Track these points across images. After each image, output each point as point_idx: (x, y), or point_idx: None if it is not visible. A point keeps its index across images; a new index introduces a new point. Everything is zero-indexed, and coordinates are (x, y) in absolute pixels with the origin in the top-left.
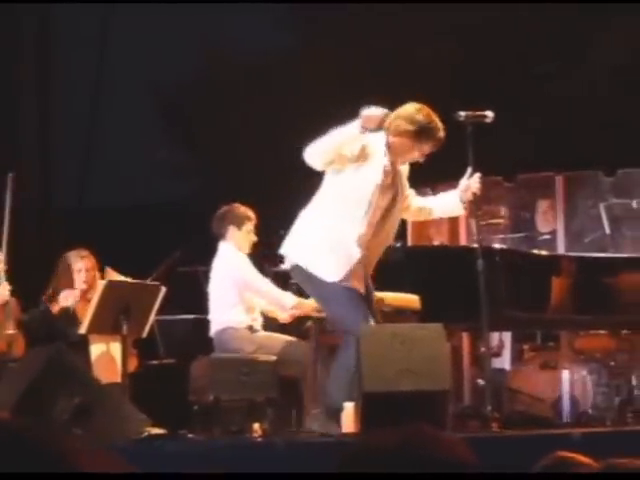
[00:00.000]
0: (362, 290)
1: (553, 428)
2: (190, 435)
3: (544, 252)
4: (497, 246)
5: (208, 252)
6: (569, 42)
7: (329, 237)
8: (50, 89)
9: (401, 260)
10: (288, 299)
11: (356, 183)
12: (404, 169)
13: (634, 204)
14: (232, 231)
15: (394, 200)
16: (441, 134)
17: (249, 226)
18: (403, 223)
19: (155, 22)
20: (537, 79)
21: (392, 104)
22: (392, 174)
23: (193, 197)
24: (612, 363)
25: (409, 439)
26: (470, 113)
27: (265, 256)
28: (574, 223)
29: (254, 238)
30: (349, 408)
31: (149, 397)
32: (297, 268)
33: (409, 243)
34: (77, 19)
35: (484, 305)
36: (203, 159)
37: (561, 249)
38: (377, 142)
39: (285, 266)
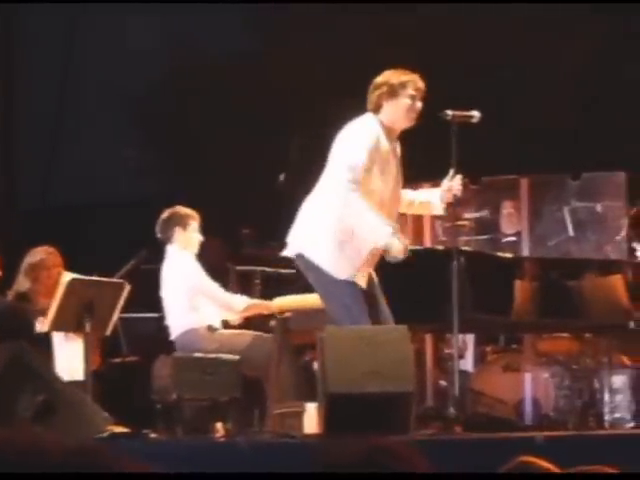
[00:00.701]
0: (364, 285)
1: (515, 430)
2: (153, 435)
3: (508, 254)
4: (461, 248)
5: None
6: (534, 46)
7: (339, 230)
8: (14, 88)
9: None
10: (238, 302)
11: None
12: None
13: (598, 208)
14: (178, 232)
15: (395, 189)
16: (414, 76)
17: (194, 225)
18: None
19: (122, 22)
20: (504, 82)
21: (358, 104)
22: (392, 156)
23: (159, 196)
24: (575, 366)
25: (369, 453)
26: (457, 113)
27: (229, 255)
28: (539, 226)
29: (200, 237)
30: (312, 409)
31: (112, 395)
32: (302, 258)
33: None
34: (43, 18)
35: (455, 307)
36: (169, 158)
37: (525, 251)
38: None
39: (287, 253)
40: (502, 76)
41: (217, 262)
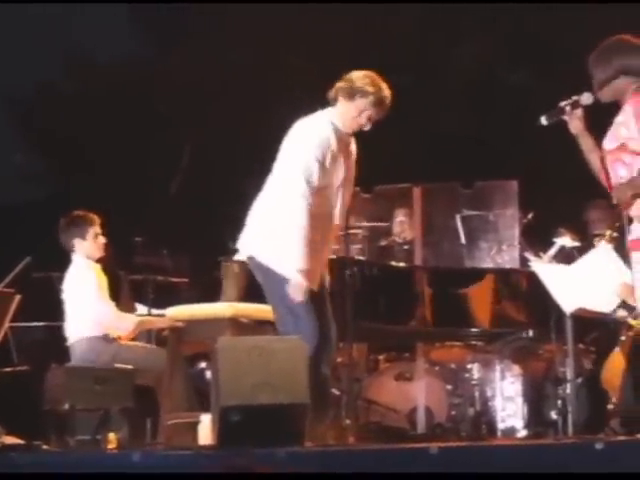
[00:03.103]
0: (315, 286)
1: (407, 439)
2: (45, 446)
3: (401, 263)
4: (354, 257)
5: (63, 257)
6: (425, 55)
7: (287, 230)
8: None
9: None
10: (127, 324)
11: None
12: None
13: (490, 216)
14: (78, 243)
15: (345, 187)
16: (382, 91)
17: (94, 230)
18: None
19: (11, 25)
20: (396, 91)
21: (259, 111)
22: (342, 154)
23: (47, 201)
24: (467, 375)
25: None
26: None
27: (122, 264)
28: (431, 234)
29: (102, 240)
30: (207, 420)
31: (3, 405)
32: (252, 260)
33: None
34: None
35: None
36: (58, 164)
37: (418, 260)
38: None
39: (240, 257)
40: (394, 84)
41: (109, 270)
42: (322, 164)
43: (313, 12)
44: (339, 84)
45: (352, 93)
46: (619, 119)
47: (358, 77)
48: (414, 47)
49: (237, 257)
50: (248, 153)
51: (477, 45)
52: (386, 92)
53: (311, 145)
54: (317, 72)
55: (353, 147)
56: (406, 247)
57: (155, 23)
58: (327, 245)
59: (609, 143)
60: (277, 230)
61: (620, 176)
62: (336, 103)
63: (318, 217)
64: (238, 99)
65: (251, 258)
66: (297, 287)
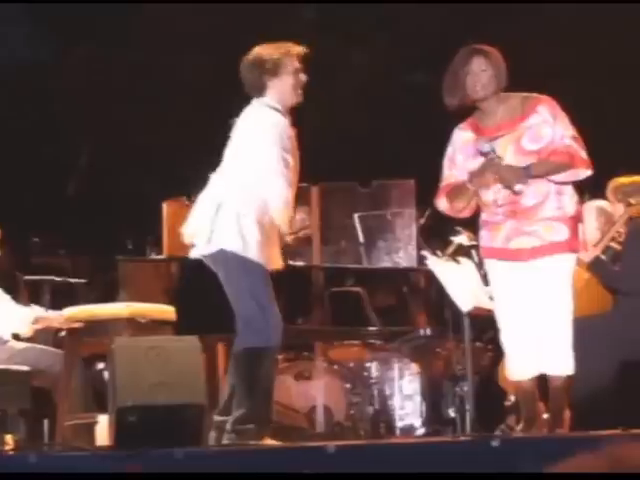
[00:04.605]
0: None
1: (306, 439)
2: None
3: (299, 262)
4: None
5: None
6: (320, 54)
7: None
8: None
9: (155, 270)
10: (27, 315)
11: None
12: None
13: (388, 215)
14: None
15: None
16: (292, 46)
17: None
18: (159, 230)
19: None
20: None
21: (160, 111)
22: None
23: None
24: (365, 374)
25: None
26: None
27: (18, 264)
28: (329, 233)
29: None
30: (103, 422)
31: None
32: (219, 254)
33: (165, 253)
34: None
35: None
36: None
37: (316, 259)
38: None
39: (199, 252)
40: None
41: (5, 271)
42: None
43: (213, 11)
44: (255, 72)
45: (276, 67)
46: (534, 120)
47: (267, 52)
48: (309, 46)
49: (194, 253)
50: (147, 154)
51: (373, 44)
52: (292, 45)
53: (274, 150)
54: (219, 70)
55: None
56: (304, 246)
57: (53, 23)
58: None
59: (530, 144)
60: (246, 221)
61: None
62: (264, 90)
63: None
64: (138, 100)
65: (219, 252)
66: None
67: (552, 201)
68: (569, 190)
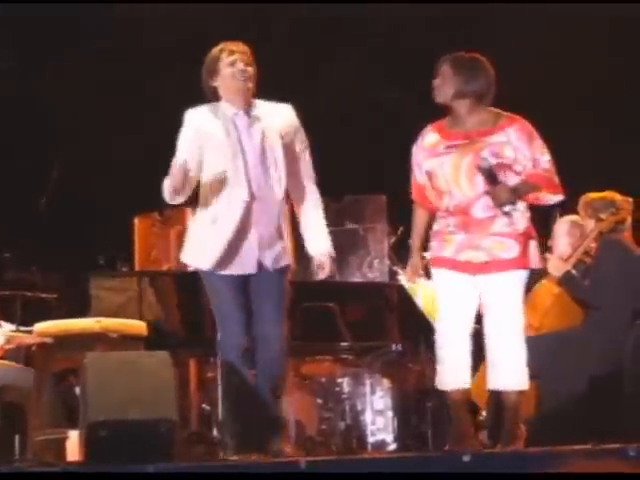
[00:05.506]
0: (242, 270)
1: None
2: None
3: None
4: None
5: None
6: (293, 70)
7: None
8: None
9: (127, 285)
10: None
11: None
12: None
13: (360, 230)
14: None
15: (255, 161)
16: (221, 45)
17: None
18: (131, 245)
19: None
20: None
21: (132, 125)
22: (231, 127)
23: None
24: (337, 389)
25: None
26: None
27: None
28: (301, 248)
29: None
30: (74, 437)
31: None
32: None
33: (136, 267)
34: None
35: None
36: None
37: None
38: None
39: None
40: (262, 95)
41: None
42: (197, 157)
43: (178, 28)
44: (203, 82)
45: (212, 70)
46: (499, 139)
47: (205, 61)
48: (282, 63)
49: (190, 268)
50: (121, 168)
51: (346, 60)
52: (225, 43)
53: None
54: (187, 86)
55: (260, 115)
56: None
57: (22, 39)
58: None
59: (490, 158)
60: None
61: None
62: (217, 93)
63: None
64: (111, 114)
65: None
66: None
67: (503, 216)
68: (521, 206)
